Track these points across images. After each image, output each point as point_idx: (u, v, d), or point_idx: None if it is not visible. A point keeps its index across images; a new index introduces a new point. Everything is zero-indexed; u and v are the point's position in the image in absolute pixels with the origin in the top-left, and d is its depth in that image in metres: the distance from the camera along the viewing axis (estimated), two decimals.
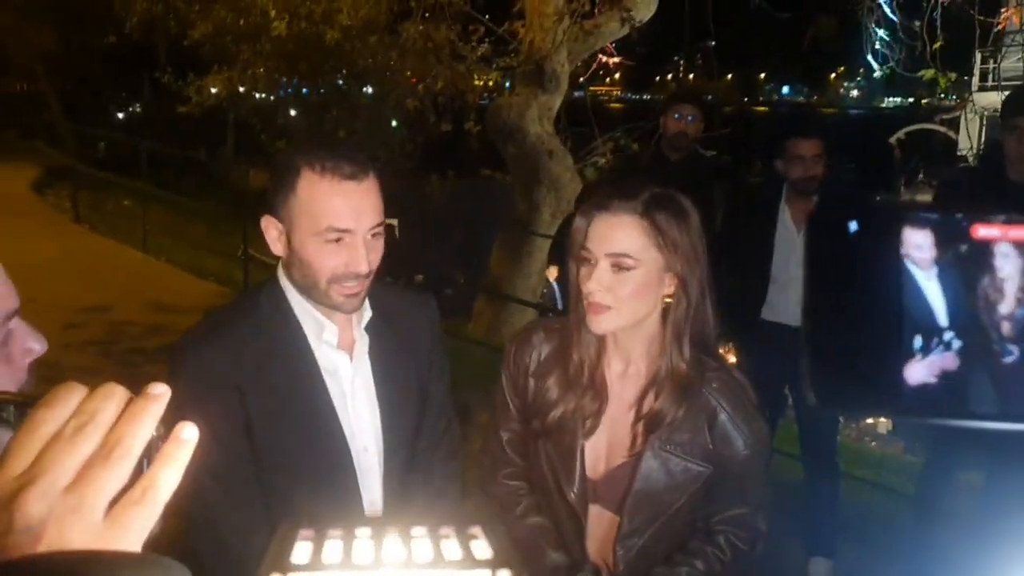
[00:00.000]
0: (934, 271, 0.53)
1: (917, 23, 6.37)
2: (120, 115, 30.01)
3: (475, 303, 8.80)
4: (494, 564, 0.51)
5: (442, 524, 0.55)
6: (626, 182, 1.81)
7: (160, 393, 0.62)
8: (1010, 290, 0.53)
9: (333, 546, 0.54)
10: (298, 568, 0.52)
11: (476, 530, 0.55)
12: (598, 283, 1.72)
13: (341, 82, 12.39)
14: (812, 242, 0.55)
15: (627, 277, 1.71)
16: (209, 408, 1.68)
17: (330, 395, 1.78)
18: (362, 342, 1.84)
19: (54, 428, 0.59)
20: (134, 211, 12.28)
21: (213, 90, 12.00)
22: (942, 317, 0.52)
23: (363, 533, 0.55)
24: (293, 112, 13.40)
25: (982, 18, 6.06)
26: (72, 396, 0.61)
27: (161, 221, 12.05)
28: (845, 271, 0.53)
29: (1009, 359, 0.53)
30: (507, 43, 8.34)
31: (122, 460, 0.58)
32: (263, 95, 13.04)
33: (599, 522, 1.88)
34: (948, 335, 0.52)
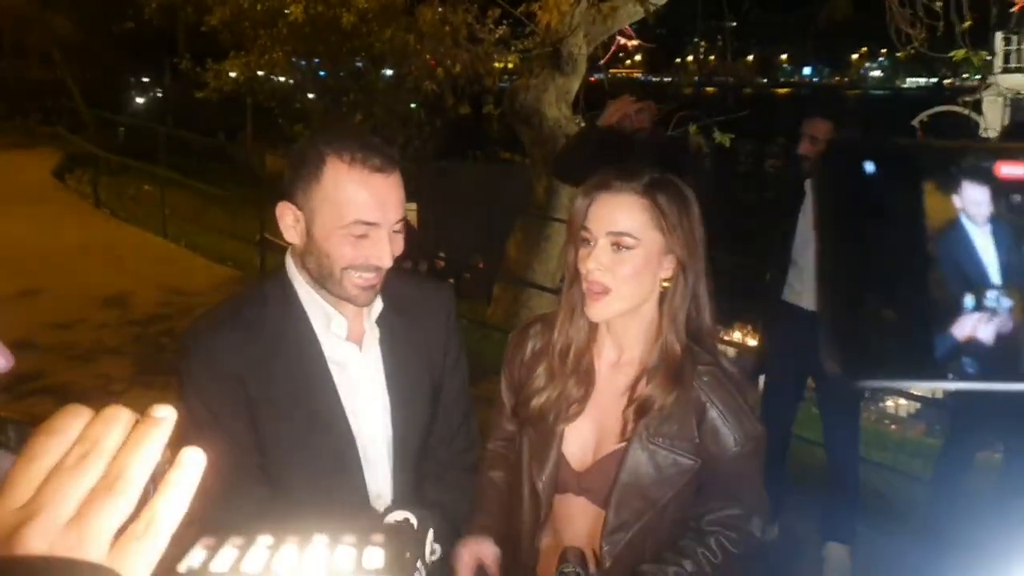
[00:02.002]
0: (987, 226, 0.48)
1: (939, 3, 6.29)
2: (140, 100, 30.09)
3: (494, 288, 8.80)
4: (382, 572, 0.51)
5: (347, 532, 0.54)
6: (627, 164, 1.79)
7: (165, 416, 0.59)
8: None
9: (227, 553, 0.53)
10: (186, 575, 0.52)
11: (378, 538, 0.54)
12: (597, 262, 1.71)
13: (359, 65, 12.38)
14: (821, 185, 0.50)
15: (627, 257, 1.70)
16: (215, 399, 1.70)
17: (336, 386, 1.76)
18: (372, 334, 1.81)
19: (56, 457, 0.57)
20: (154, 196, 12.34)
21: (232, 75, 12.03)
22: (993, 273, 0.47)
23: (264, 541, 0.54)
24: (311, 96, 13.40)
25: None
26: (75, 421, 0.59)
27: (181, 206, 12.09)
28: (862, 219, 0.48)
29: None
30: (525, 25, 8.30)
31: (125, 491, 0.55)
32: (281, 79, 13.05)
33: (585, 516, 1.85)
34: (997, 293, 0.47)
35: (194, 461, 0.59)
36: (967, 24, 6.13)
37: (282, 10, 10.03)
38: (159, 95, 29.50)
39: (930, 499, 4.12)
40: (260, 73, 12.07)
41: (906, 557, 4.05)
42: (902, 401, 10.88)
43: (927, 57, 7.04)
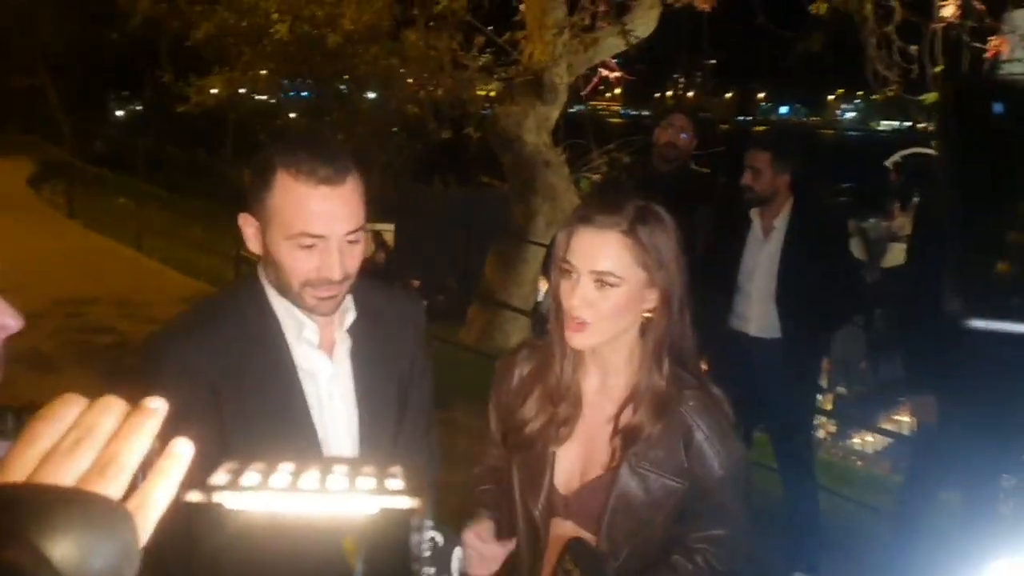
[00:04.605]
0: None
1: (914, 48, 6.42)
2: (119, 112, 29.92)
3: (468, 309, 8.82)
4: (403, 494, 0.53)
5: (364, 464, 0.57)
6: (609, 195, 1.81)
7: (157, 407, 0.62)
8: None
9: (251, 475, 0.56)
10: (216, 488, 0.54)
11: (396, 469, 0.56)
12: (581, 299, 1.71)
13: (343, 87, 12.38)
14: (948, 128, 0.47)
15: (610, 294, 1.70)
16: (184, 405, 1.68)
17: (305, 396, 1.74)
18: (343, 344, 1.80)
19: (51, 442, 0.59)
20: (129, 209, 12.27)
21: (213, 91, 11.99)
22: None
23: (286, 467, 0.57)
24: (293, 115, 13.38)
25: (977, 45, 6.12)
26: (71, 409, 0.60)
27: (158, 220, 12.03)
28: (991, 161, 0.43)
29: None
30: (508, 53, 8.38)
31: (116, 477, 0.58)
32: (264, 97, 13.03)
33: None
34: None
35: (184, 452, 0.62)
36: (939, 68, 6.29)
37: (267, 28, 10.03)
38: (139, 108, 29.37)
39: (892, 533, 4.17)
40: (243, 90, 12.03)
41: None
42: (868, 438, 10.97)
43: (902, 100, 7.19)
